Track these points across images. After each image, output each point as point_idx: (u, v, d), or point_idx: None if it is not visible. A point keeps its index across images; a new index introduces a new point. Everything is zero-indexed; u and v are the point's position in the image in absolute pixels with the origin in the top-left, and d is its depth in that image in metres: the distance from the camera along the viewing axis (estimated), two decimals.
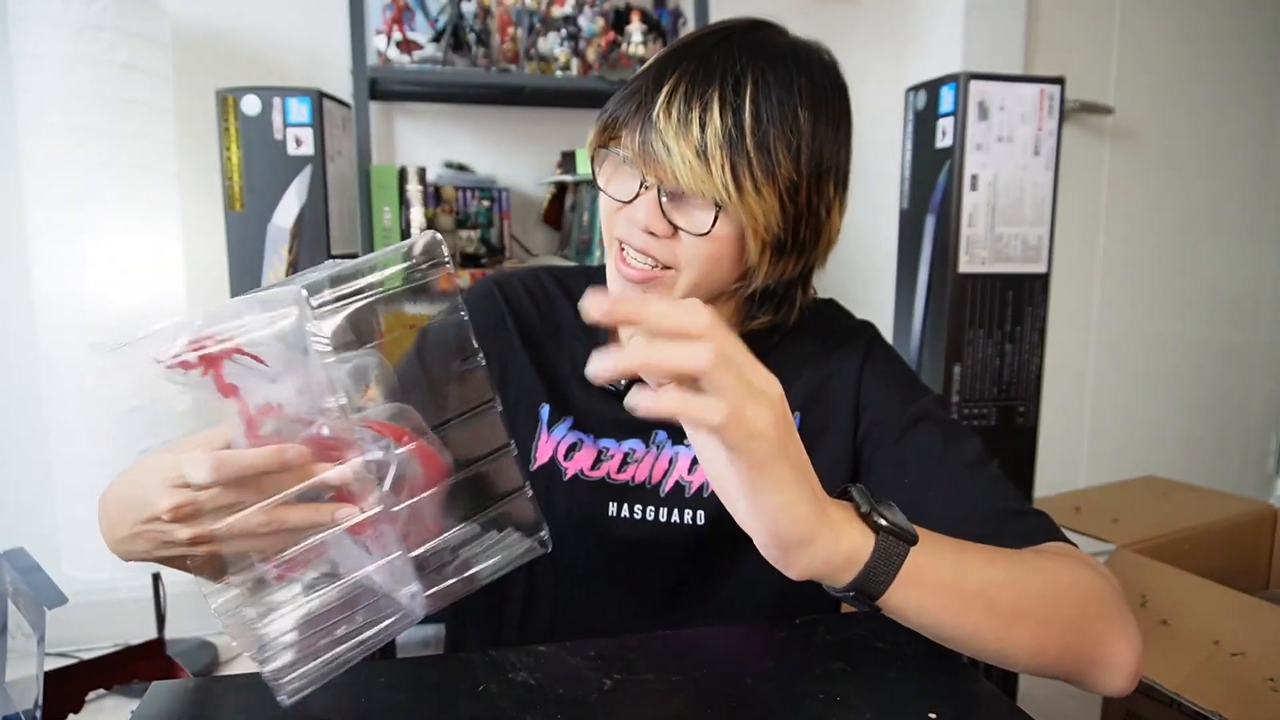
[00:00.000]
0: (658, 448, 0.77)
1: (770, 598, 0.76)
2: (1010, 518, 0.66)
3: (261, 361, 0.45)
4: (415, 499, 0.49)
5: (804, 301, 0.79)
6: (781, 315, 0.78)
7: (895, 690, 0.58)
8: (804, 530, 0.48)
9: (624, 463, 0.77)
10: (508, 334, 0.81)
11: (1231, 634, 1.06)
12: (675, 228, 0.67)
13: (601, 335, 0.79)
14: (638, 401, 0.43)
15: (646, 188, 0.67)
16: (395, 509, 0.48)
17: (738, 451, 0.45)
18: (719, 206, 0.66)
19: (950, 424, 0.73)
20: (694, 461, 0.76)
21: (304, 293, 0.44)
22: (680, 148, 0.64)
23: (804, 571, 0.50)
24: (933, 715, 0.54)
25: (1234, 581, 1.21)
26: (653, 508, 0.76)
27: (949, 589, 0.53)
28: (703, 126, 0.63)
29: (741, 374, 0.45)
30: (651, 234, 0.67)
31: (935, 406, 0.75)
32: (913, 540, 0.52)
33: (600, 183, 0.71)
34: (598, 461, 0.77)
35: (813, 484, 0.49)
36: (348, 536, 0.48)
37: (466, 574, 0.52)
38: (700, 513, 0.75)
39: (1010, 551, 0.58)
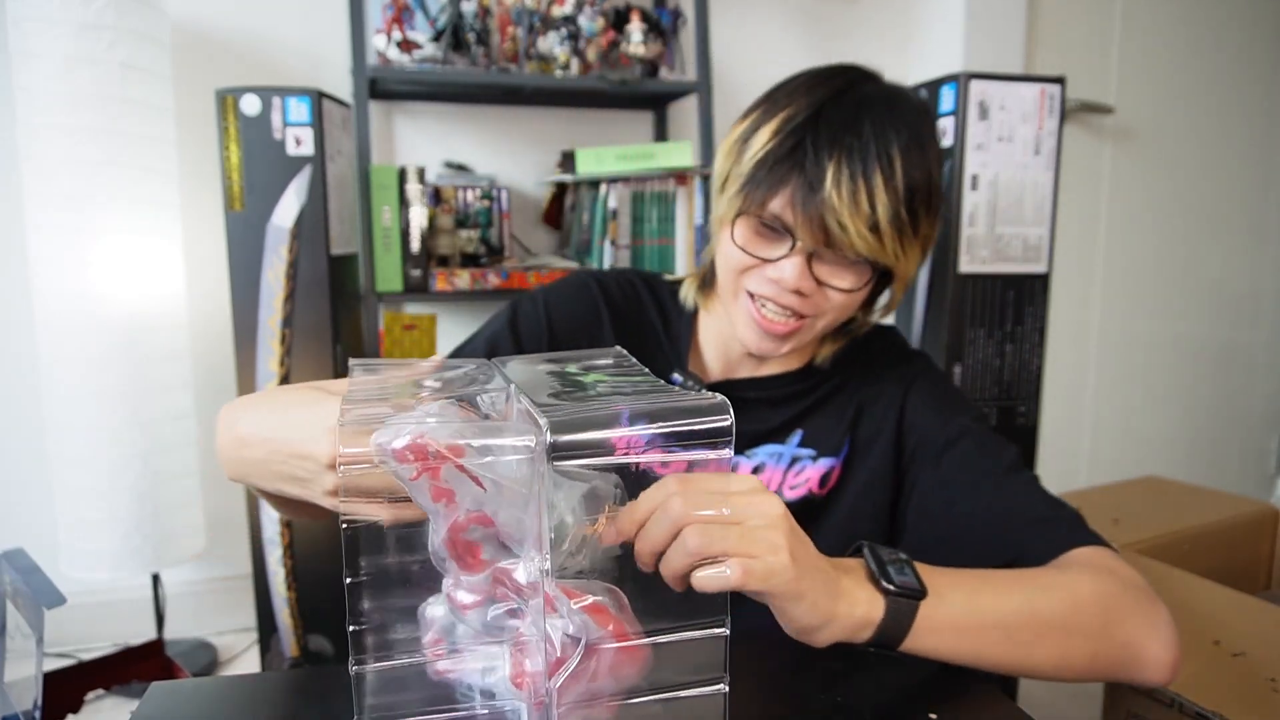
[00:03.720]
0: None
1: None
2: (1037, 526, 0.71)
3: (480, 485, 0.43)
4: (594, 683, 0.45)
5: (863, 323, 0.86)
6: (847, 336, 0.85)
7: (895, 691, 0.58)
8: (822, 618, 0.53)
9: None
10: (602, 330, 0.84)
11: (1232, 634, 1.06)
12: (820, 284, 0.73)
13: (684, 347, 0.84)
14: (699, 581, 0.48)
15: (795, 251, 0.71)
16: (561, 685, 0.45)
17: (758, 595, 0.50)
18: (874, 267, 0.72)
19: (987, 437, 0.79)
20: (755, 469, 0.82)
21: (546, 440, 0.41)
22: (856, 224, 0.69)
23: (825, 643, 0.55)
24: (933, 716, 0.54)
25: (1234, 582, 1.21)
26: None
27: (964, 629, 0.57)
28: (872, 205, 0.69)
29: (733, 529, 0.49)
30: (800, 293, 0.72)
31: (974, 423, 0.80)
32: (921, 596, 0.56)
33: (739, 242, 0.74)
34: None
35: (823, 573, 0.53)
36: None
37: None
38: None
39: (1029, 574, 0.64)
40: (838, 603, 0.53)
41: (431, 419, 0.43)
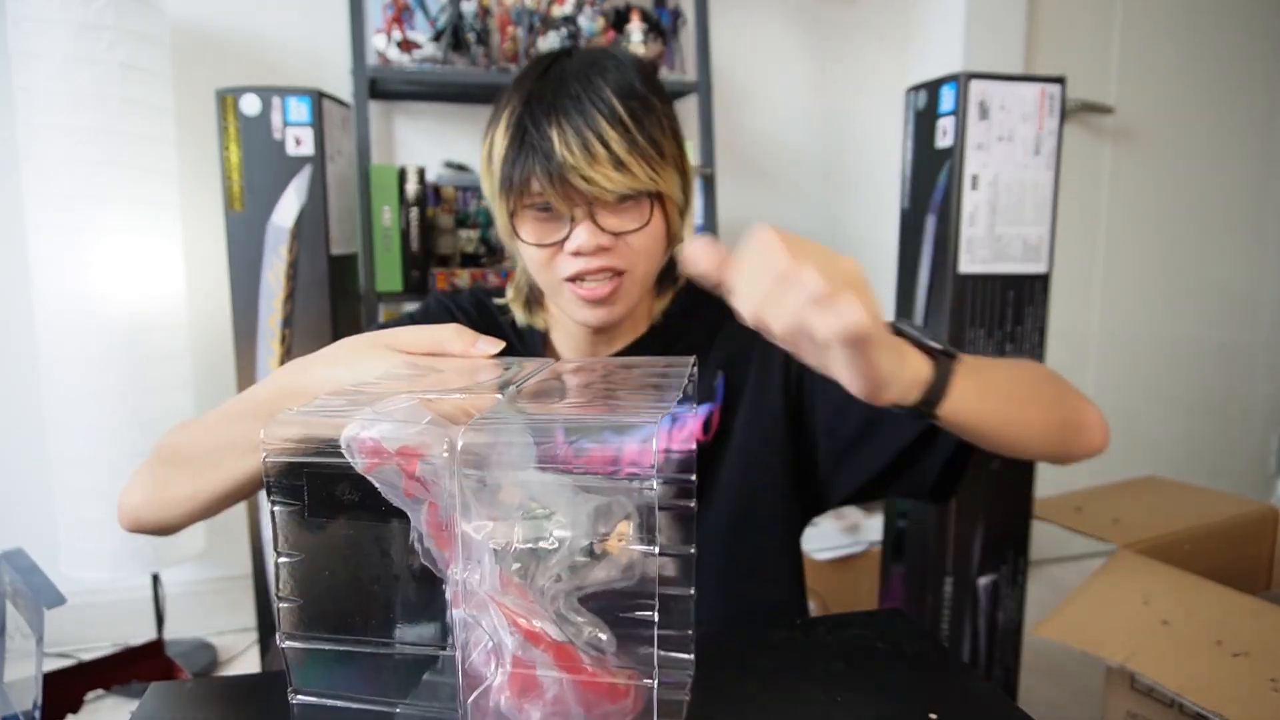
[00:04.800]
0: None
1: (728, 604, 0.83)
2: None
3: (426, 487, 0.43)
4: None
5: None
6: (673, 285, 0.89)
7: (895, 691, 0.58)
8: (889, 374, 0.57)
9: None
10: None
11: (1233, 634, 1.06)
12: (616, 235, 0.76)
13: (538, 350, 0.88)
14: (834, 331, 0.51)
15: (575, 219, 0.75)
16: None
17: (874, 343, 0.53)
18: (649, 198, 0.76)
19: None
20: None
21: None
22: (599, 171, 0.72)
23: (888, 400, 0.59)
24: (933, 716, 0.54)
25: (1235, 582, 1.21)
26: None
27: (983, 390, 0.65)
28: (604, 144, 0.73)
29: (824, 290, 0.50)
30: (602, 249, 0.75)
31: None
32: (956, 356, 0.63)
33: (531, 240, 0.77)
34: None
35: (886, 333, 0.58)
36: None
37: None
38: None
39: (998, 360, 0.75)
40: (899, 364, 0.59)
41: (384, 421, 0.43)
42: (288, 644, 0.46)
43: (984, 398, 0.64)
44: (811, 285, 0.49)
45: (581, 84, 0.74)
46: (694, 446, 0.55)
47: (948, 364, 0.62)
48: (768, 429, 0.83)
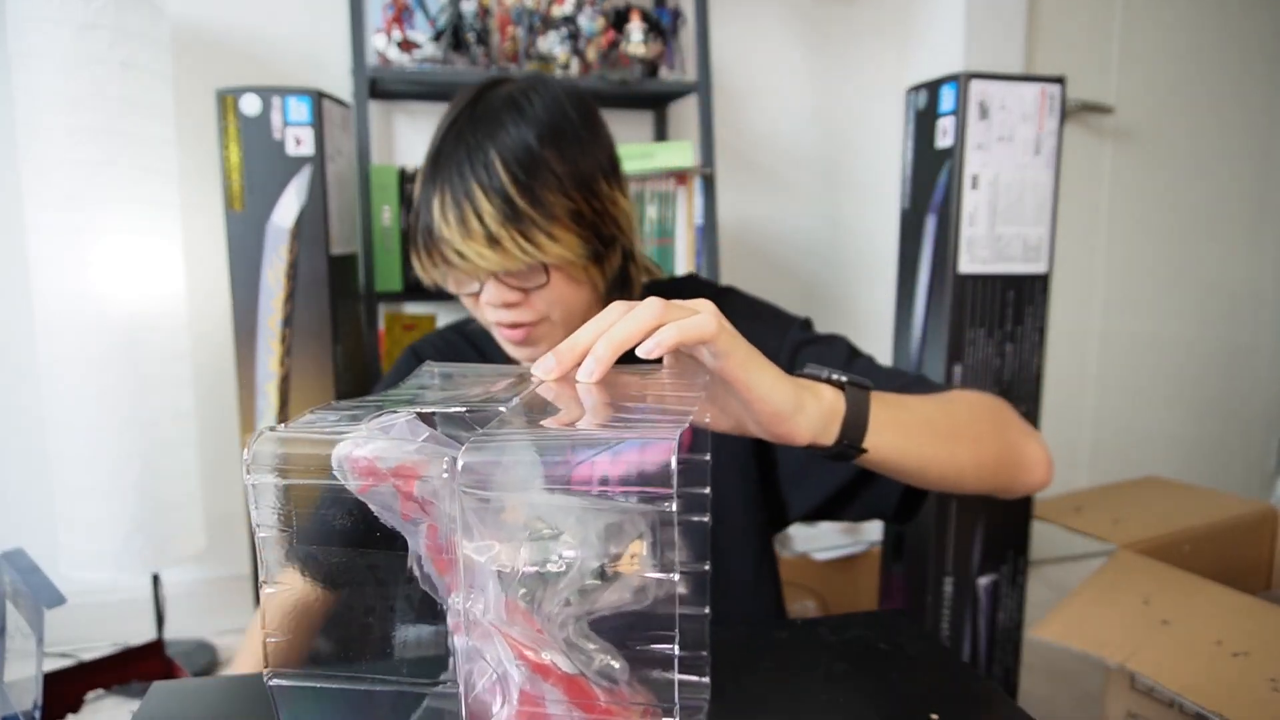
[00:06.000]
0: None
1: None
2: (905, 389, 0.75)
3: (424, 510, 0.40)
4: None
5: (643, 277, 0.87)
6: (628, 292, 0.86)
7: (897, 692, 0.58)
8: (793, 397, 0.55)
9: None
10: None
11: (1233, 634, 1.06)
12: (525, 291, 0.75)
13: (503, 356, 0.88)
14: (647, 348, 0.47)
15: (482, 277, 0.75)
16: None
17: (727, 353, 0.50)
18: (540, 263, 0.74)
19: (819, 340, 0.84)
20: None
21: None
22: (470, 247, 0.71)
23: (806, 431, 0.56)
24: (934, 716, 0.54)
25: (1235, 582, 1.21)
26: None
27: (906, 424, 0.62)
28: (479, 218, 0.71)
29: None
30: (511, 304, 0.75)
31: (802, 331, 0.85)
32: (870, 387, 0.60)
33: (452, 290, 0.79)
34: None
35: (775, 367, 0.56)
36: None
37: None
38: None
39: (925, 395, 0.70)
40: (802, 389, 0.56)
41: (379, 439, 0.40)
42: (275, 681, 0.42)
43: (907, 431, 0.62)
44: (652, 304, 0.48)
45: (470, 146, 0.72)
46: (707, 457, 0.53)
47: (860, 393, 0.59)
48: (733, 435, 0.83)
